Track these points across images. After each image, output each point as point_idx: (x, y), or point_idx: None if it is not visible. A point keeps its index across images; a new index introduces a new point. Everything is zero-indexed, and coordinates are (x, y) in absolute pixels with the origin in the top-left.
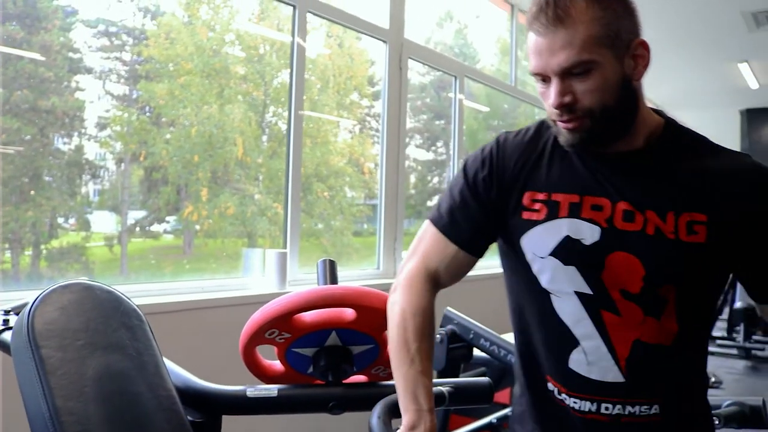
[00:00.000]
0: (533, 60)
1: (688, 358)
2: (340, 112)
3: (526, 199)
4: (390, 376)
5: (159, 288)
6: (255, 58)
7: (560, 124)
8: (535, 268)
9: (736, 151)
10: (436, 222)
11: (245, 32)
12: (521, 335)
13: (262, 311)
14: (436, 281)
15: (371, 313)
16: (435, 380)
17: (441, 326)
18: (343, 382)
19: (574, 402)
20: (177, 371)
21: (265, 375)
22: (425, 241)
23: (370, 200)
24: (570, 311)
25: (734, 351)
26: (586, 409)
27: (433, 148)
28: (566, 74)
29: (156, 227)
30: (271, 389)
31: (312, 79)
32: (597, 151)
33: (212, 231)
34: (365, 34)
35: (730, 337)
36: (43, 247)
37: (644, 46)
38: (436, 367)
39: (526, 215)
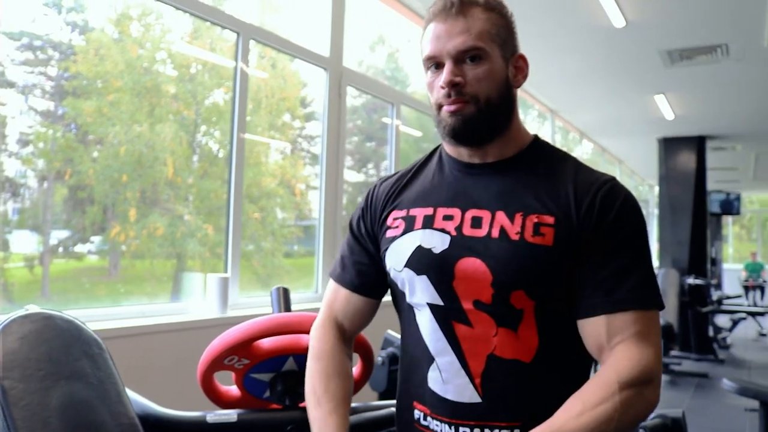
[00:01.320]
0: (431, 45)
1: (553, 378)
2: (272, 133)
3: (390, 220)
4: None
5: (91, 313)
6: (187, 77)
7: (445, 110)
8: (399, 283)
9: (600, 171)
10: (332, 274)
11: (177, 51)
12: (400, 359)
13: (223, 338)
14: (341, 327)
15: None
16: (379, 402)
17: (382, 348)
18: (300, 405)
19: (436, 425)
20: (137, 399)
21: (221, 400)
22: (327, 292)
23: (301, 221)
24: (426, 325)
25: None
26: None
27: (364, 169)
28: (459, 59)
29: (80, 248)
30: (231, 414)
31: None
32: (469, 162)
33: (140, 252)
34: (306, 61)
35: None
36: None
37: (523, 59)
38: (378, 388)
39: (388, 233)
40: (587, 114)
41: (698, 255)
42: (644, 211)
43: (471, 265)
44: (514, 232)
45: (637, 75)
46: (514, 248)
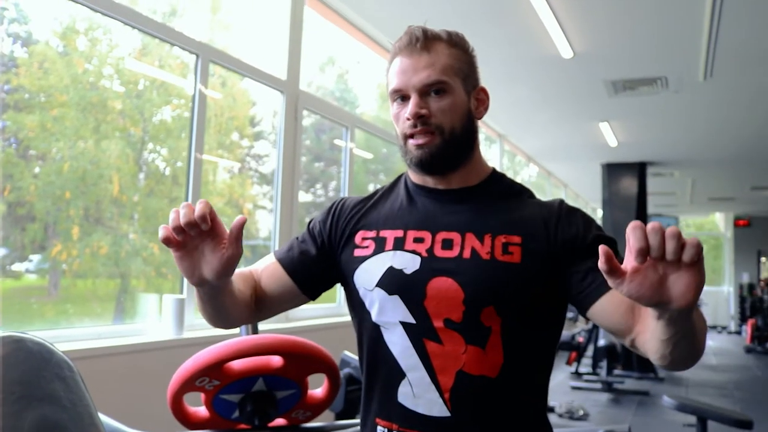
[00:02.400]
0: (397, 79)
1: (517, 393)
2: (220, 152)
3: (357, 238)
4: (308, 419)
5: (44, 335)
6: (134, 94)
7: (411, 142)
8: (367, 302)
9: (550, 199)
10: (275, 252)
11: (125, 68)
12: (364, 378)
13: (195, 359)
14: (258, 284)
15: (298, 359)
16: (337, 422)
17: (340, 369)
18: (268, 425)
19: None
20: (109, 422)
21: (190, 422)
22: (261, 261)
23: (248, 241)
24: (397, 342)
25: (598, 385)
26: None
27: (312, 190)
28: (424, 92)
29: (18, 266)
30: None
31: (194, 117)
32: (434, 188)
33: (82, 271)
34: (263, 83)
35: (594, 372)
36: None
37: (484, 92)
38: (335, 409)
39: (357, 252)
40: (535, 139)
41: None
42: None
43: (443, 284)
44: (484, 252)
45: (583, 103)
46: (485, 266)
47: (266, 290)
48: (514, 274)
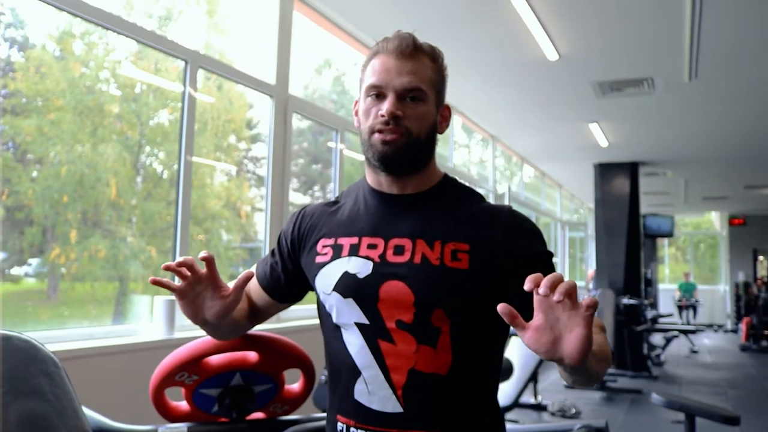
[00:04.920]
0: (379, 75)
1: (467, 389)
2: (218, 154)
3: (318, 246)
4: (286, 412)
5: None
6: (131, 98)
7: (378, 137)
8: (327, 305)
9: (500, 204)
10: (257, 265)
11: (121, 74)
12: (328, 377)
13: (173, 356)
14: (249, 297)
15: (273, 355)
16: (315, 414)
17: (325, 367)
18: (246, 419)
19: None
20: (93, 415)
21: (171, 415)
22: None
23: (246, 243)
24: (353, 342)
25: None
26: None
27: (310, 191)
28: (402, 96)
29: (17, 270)
30: (181, 427)
31: None
32: (389, 194)
33: (81, 275)
34: (252, 88)
35: None
36: None
37: (448, 110)
38: (321, 405)
39: (318, 259)
40: (527, 140)
41: (633, 276)
42: (584, 234)
43: (395, 287)
44: (434, 258)
45: (572, 105)
46: (434, 272)
47: (255, 302)
48: (462, 279)
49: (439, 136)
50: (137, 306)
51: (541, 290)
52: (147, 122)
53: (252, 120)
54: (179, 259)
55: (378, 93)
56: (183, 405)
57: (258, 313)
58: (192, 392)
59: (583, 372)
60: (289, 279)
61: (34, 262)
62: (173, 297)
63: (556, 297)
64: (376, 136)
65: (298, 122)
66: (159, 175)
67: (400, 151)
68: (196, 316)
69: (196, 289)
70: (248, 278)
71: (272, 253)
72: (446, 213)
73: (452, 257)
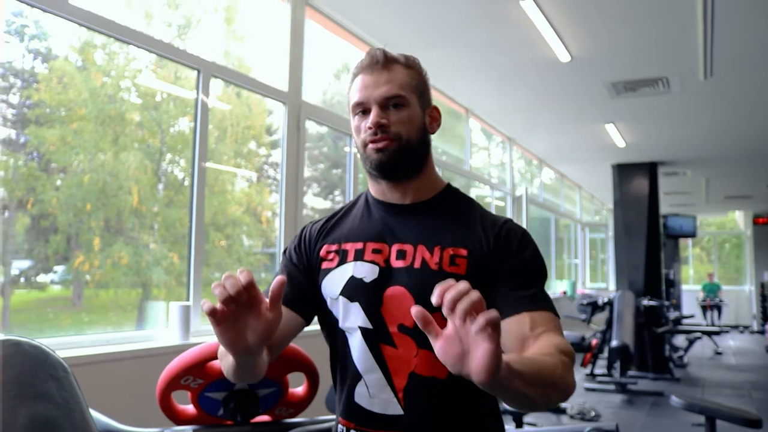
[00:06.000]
0: (360, 93)
1: (465, 393)
2: (238, 160)
3: (323, 252)
4: (292, 415)
5: (56, 342)
6: (152, 106)
7: (371, 146)
8: (334, 310)
9: (500, 215)
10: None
11: (143, 83)
12: (333, 382)
13: (179, 360)
14: None
15: (276, 359)
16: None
17: None
18: (251, 421)
19: None
20: (99, 418)
21: (178, 418)
22: None
23: (268, 249)
24: (356, 346)
25: (612, 386)
26: None
27: (330, 196)
28: (384, 105)
29: (43, 277)
30: (186, 430)
31: (209, 127)
32: (391, 203)
33: (104, 281)
34: (265, 95)
35: (608, 374)
36: None
37: (437, 111)
38: (333, 408)
39: (324, 265)
40: (543, 142)
41: (653, 277)
42: (605, 236)
43: (397, 292)
44: (433, 262)
45: (586, 106)
46: (433, 276)
47: (276, 334)
48: None
49: (435, 135)
50: (157, 312)
51: (434, 299)
52: (167, 130)
53: (271, 126)
54: (245, 278)
55: (363, 109)
56: (190, 408)
57: (277, 347)
58: (198, 396)
59: (503, 393)
60: (307, 288)
61: (59, 269)
62: (188, 303)
63: (444, 311)
64: (369, 147)
65: (317, 127)
66: (180, 182)
67: (393, 155)
68: (238, 342)
69: (239, 311)
70: (282, 284)
71: (282, 269)
72: (447, 220)
73: (450, 262)
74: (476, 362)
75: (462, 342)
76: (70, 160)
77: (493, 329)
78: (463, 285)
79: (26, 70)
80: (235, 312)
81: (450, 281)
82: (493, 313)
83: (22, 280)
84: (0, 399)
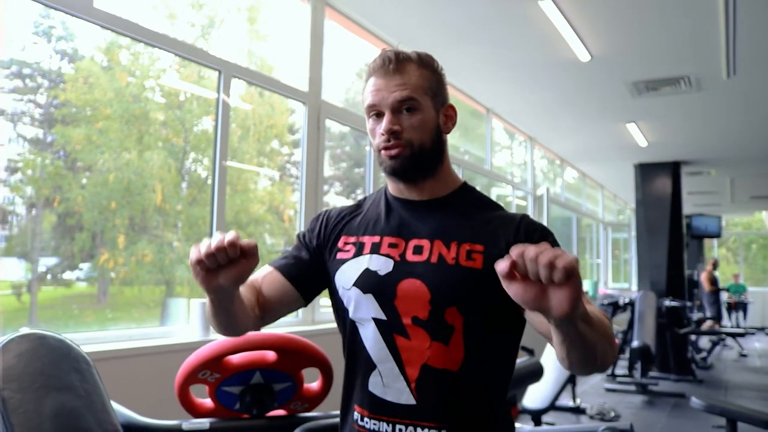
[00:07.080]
0: (372, 96)
1: (477, 386)
2: (261, 159)
3: (340, 243)
4: (307, 410)
5: (81, 337)
6: (176, 105)
7: (384, 153)
8: (345, 300)
9: (515, 212)
10: (271, 262)
11: (167, 82)
12: (344, 370)
13: (196, 354)
14: (258, 291)
15: (290, 355)
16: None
17: None
18: (266, 415)
19: (374, 424)
20: (120, 409)
21: (196, 411)
22: (257, 272)
23: (290, 247)
24: (369, 336)
25: (633, 387)
26: (383, 431)
27: (353, 195)
28: (397, 110)
29: (68, 274)
30: (204, 423)
31: (232, 126)
32: (409, 200)
33: (129, 279)
34: (285, 95)
35: (629, 374)
36: None
37: (452, 109)
38: None
39: (339, 255)
40: (564, 141)
41: (675, 277)
42: (627, 236)
43: (412, 285)
44: (450, 257)
45: (607, 105)
46: (450, 271)
47: (267, 297)
48: (476, 278)
49: (452, 135)
50: (179, 309)
51: (513, 254)
52: (191, 129)
53: (294, 125)
54: (230, 237)
55: (377, 112)
56: (207, 402)
57: (267, 311)
58: (215, 390)
59: (574, 332)
60: (311, 271)
61: (85, 266)
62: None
63: (527, 263)
64: (383, 153)
65: (340, 126)
66: (203, 180)
67: (406, 162)
68: (210, 282)
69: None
70: (255, 244)
71: (293, 249)
72: (463, 217)
73: (467, 257)
74: (558, 297)
75: (540, 285)
76: (96, 159)
77: (573, 271)
78: (544, 244)
79: (53, 70)
80: (215, 263)
81: (523, 246)
82: (572, 257)
83: (48, 276)
84: (26, 390)
